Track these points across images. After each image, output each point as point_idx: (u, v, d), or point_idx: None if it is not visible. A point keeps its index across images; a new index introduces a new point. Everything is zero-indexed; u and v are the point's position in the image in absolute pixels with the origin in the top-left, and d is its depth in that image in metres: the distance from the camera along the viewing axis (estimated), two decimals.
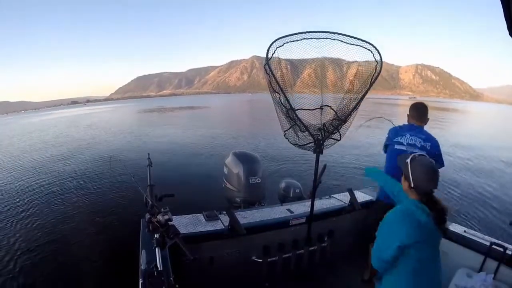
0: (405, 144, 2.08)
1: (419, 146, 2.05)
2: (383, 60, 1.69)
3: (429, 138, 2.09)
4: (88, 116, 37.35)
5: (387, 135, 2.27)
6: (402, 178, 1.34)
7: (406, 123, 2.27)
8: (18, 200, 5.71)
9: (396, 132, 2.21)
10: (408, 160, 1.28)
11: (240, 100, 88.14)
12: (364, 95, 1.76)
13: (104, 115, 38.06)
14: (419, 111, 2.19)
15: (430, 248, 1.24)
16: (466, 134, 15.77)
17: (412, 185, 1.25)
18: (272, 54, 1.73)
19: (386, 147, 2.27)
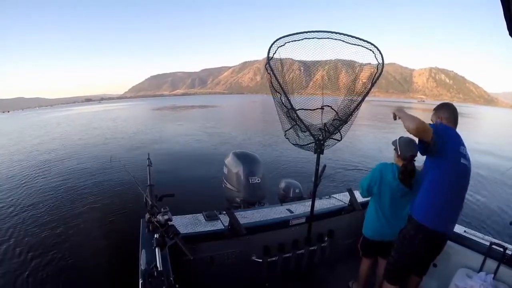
0: (467, 158, 1.50)
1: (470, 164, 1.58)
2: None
3: None
4: (107, 113, 38.99)
5: (437, 129, 1.47)
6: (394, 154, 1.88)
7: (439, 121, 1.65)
8: (15, 199, 5.69)
9: (455, 134, 1.54)
10: (397, 139, 1.86)
11: (252, 100, 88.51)
12: (365, 96, 1.76)
13: (121, 112, 39.34)
14: (456, 113, 1.65)
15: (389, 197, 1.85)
16: (467, 135, 15.79)
17: (399, 153, 1.82)
18: (273, 53, 1.72)
19: (434, 152, 1.49)
